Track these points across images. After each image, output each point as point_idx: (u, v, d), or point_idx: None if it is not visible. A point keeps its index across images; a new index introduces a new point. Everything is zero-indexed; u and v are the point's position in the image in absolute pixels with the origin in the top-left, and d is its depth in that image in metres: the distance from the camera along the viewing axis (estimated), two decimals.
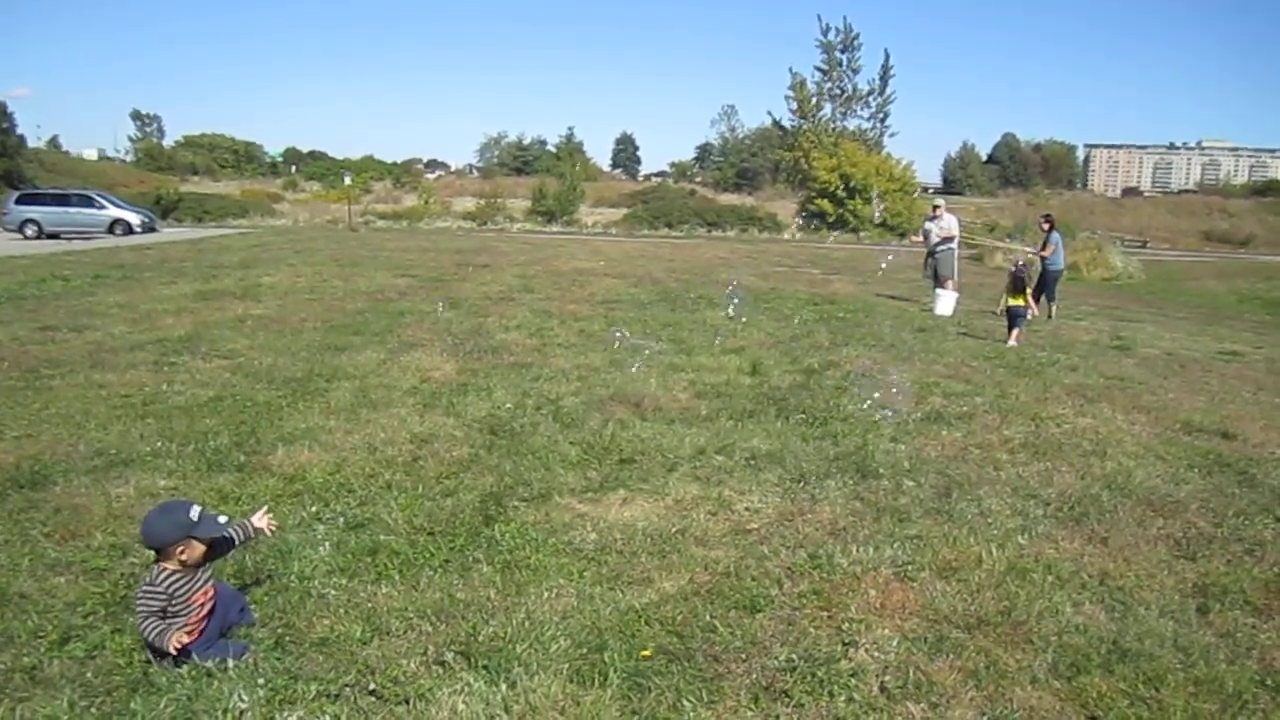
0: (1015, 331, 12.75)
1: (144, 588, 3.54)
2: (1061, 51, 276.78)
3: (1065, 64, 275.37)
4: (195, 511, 3.58)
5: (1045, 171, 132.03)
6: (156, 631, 3.44)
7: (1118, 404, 8.65)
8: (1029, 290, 13.29)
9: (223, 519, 3.71)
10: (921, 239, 18.77)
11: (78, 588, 4.20)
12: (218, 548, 3.75)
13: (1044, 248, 17.83)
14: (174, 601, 3.52)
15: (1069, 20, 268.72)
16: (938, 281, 17.44)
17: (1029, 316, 13.38)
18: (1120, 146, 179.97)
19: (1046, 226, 18.19)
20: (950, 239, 17.79)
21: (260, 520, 3.97)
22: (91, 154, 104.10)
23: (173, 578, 3.54)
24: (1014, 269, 13.74)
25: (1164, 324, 17.80)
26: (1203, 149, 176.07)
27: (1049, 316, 16.66)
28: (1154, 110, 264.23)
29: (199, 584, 3.62)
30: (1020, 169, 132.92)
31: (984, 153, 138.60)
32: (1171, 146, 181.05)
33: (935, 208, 18.44)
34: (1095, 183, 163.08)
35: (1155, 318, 19.25)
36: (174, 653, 3.42)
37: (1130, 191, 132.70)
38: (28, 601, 4.04)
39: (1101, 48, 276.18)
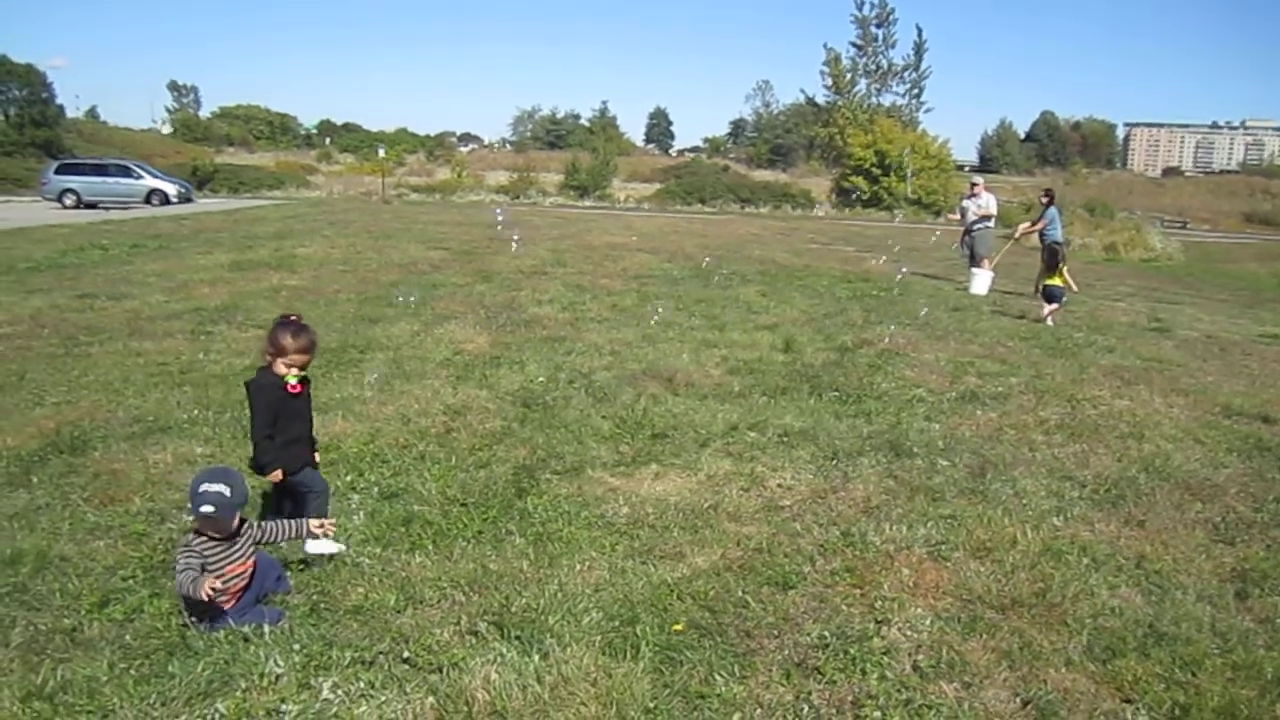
0: (1052, 307, 12.61)
1: (181, 547, 3.61)
2: (1102, 28, 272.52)
3: (1105, 41, 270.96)
4: (207, 487, 3.54)
5: (1084, 150, 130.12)
6: (191, 580, 3.43)
7: (1156, 386, 8.53)
8: (1064, 268, 13.10)
9: (198, 513, 3.56)
10: (958, 217, 18.56)
11: (117, 552, 4.26)
12: (233, 532, 3.69)
13: (1037, 221, 17.49)
14: (208, 568, 3.56)
15: None
16: (973, 260, 17.26)
17: (1067, 297, 13.22)
18: (1161, 125, 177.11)
19: (1045, 201, 17.85)
20: (988, 217, 17.58)
21: (317, 525, 4.02)
22: (167, 128, 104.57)
23: (206, 543, 3.58)
24: (1051, 248, 13.59)
25: (1203, 306, 17.53)
26: (1246, 128, 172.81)
27: (1037, 290, 16.31)
28: (1196, 89, 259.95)
29: (235, 555, 3.65)
30: (1059, 147, 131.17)
31: (1022, 131, 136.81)
32: (1214, 126, 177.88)
33: (973, 185, 18.19)
34: (1135, 162, 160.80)
35: (1194, 299, 18.96)
36: (206, 599, 3.41)
37: (1171, 171, 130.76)
38: (68, 564, 4.11)
39: (1143, 24, 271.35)
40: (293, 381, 4.19)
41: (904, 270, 15.69)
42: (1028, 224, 18.48)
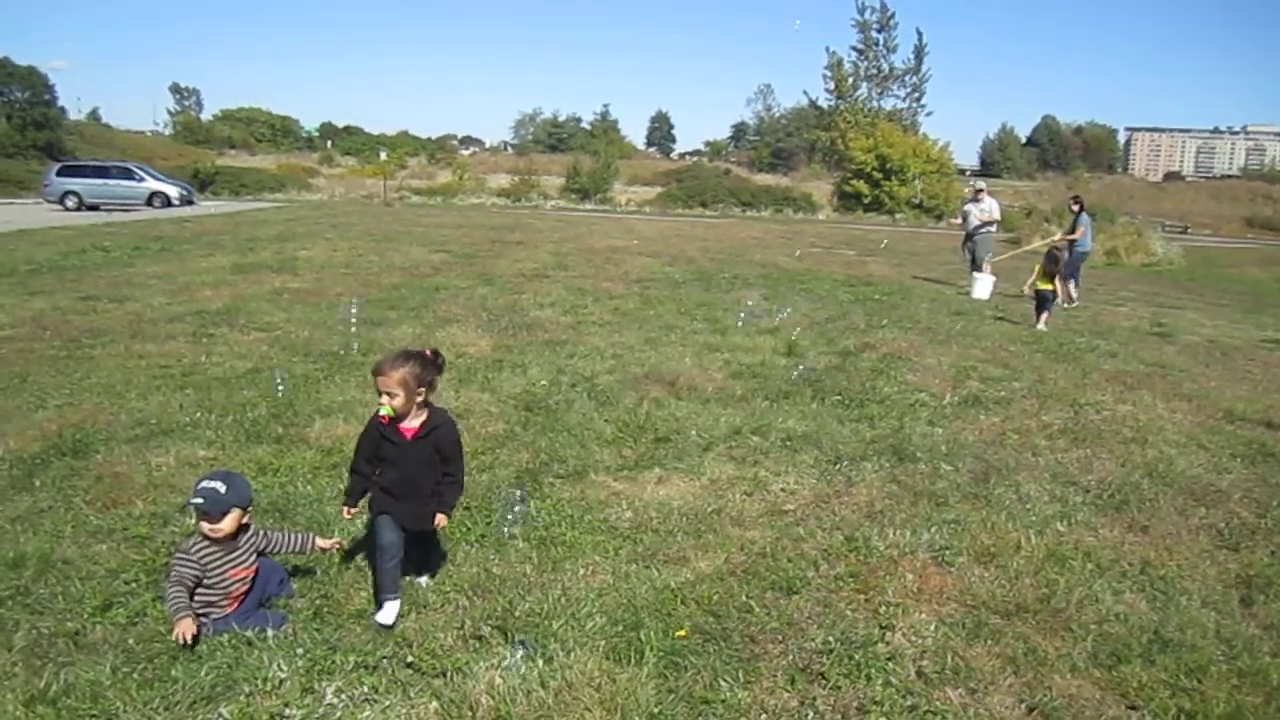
0: (1044, 315, 12.62)
1: (178, 553, 3.62)
2: (1103, 32, 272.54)
3: (1107, 45, 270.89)
4: (205, 484, 3.59)
5: (1086, 154, 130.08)
6: (173, 606, 3.43)
7: (1158, 391, 8.53)
8: (1059, 276, 13.13)
9: (188, 503, 3.66)
10: (960, 221, 18.58)
11: (119, 555, 4.25)
12: (236, 538, 3.69)
13: (1073, 231, 17.55)
14: (207, 573, 3.57)
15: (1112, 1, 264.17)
16: (975, 264, 17.27)
17: (1058, 303, 13.24)
18: (1162, 130, 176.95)
19: (1076, 208, 17.90)
20: (990, 222, 17.61)
21: (325, 542, 4.04)
22: (168, 131, 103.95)
23: (206, 548, 3.59)
24: (1051, 253, 13.61)
25: (1205, 311, 17.53)
26: (1248, 133, 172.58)
27: (1070, 300, 16.37)
28: (1198, 93, 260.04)
29: (236, 560, 3.66)
30: (1060, 152, 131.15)
31: (1023, 135, 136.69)
32: (1215, 131, 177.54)
33: (977, 190, 18.23)
34: (1136, 166, 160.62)
35: (1196, 304, 18.95)
36: (178, 641, 3.35)
37: (1172, 176, 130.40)
38: (70, 567, 4.10)
39: (1144, 29, 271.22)
40: (383, 411, 3.83)
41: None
42: (1063, 232, 18.43)
